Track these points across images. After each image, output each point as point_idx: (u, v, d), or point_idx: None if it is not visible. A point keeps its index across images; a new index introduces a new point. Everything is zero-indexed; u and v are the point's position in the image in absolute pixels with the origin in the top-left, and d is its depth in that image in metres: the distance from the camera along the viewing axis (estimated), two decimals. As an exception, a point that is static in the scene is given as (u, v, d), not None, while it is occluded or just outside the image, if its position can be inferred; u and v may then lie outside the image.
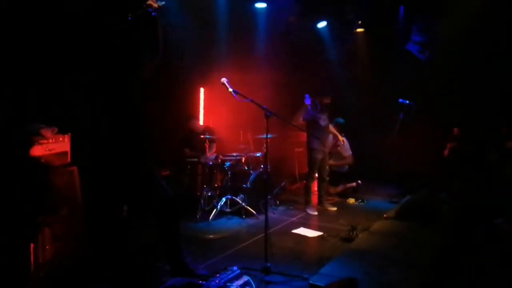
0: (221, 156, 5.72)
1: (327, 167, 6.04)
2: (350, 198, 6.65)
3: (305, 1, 6.96)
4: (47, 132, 3.36)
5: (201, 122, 6.75)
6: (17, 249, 2.86)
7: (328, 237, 4.52)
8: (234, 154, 5.81)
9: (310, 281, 3.03)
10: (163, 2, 2.92)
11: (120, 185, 3.11)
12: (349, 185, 7.10)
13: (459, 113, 6.70)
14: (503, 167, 5.50)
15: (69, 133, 3.60)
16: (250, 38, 7.09)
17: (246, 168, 5.83)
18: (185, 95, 6.51)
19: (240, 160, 5.86)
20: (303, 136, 8.13)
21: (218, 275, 3.17)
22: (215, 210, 5.19)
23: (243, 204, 5.29)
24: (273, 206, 5.85)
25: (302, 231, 4.78)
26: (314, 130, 5.72)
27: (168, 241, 3.16)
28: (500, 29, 6.33)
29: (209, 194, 5.43)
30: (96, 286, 3.17)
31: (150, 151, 3.08)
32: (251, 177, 5.50)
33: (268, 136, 3.67)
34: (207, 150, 5.69)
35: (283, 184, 6.50)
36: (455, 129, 6.79)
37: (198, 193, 5.48)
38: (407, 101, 6.46)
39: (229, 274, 3.15)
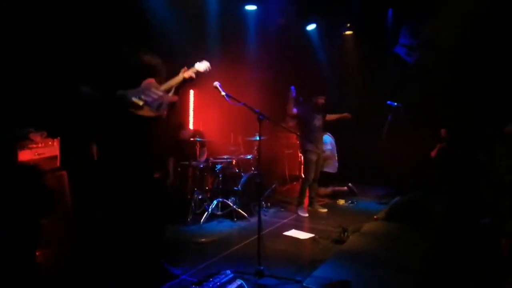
0: (211, 159, 5.70)
1: (319, 169, 6.04)
2: (340, 200, 6.71)
3: (294, 3, 7.00)
4: (36, 136, 3.32)
5: (191, 125, 6.72)
6: (18, 249, 2.85)
7: (320, 239, 4.54)
8: (225, 157, 5.81)
9: (304, 284, 3.05)
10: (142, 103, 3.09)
11: (121, 185, 3.13)
12: (339, 188, 7.17)
13: (447, 114, 6.80)
14: (490, 167, 5.60)
15: (59, 137, 3.56)
16: (241, 40, 7.10)
17: (237, 170, 5.83)
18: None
19: (231, 162, 5.85)
20: (293, 137, 8.19)
21: (211, 279, 3.16)
22: (206, 213, 5.17)
23: (234, 206, 5.29)
24: (264, 208, 5.85)
25: (293, 233, 4.79)
26: (307, 130, 5.73)
27: (154, 243, 3.19)
28: (488, 31, 6.44)
29: (200, 197, 5.40)
30: (96, 286, 3.16)
31: (149, 153, 3.11)
32: (242, 179, 5.50)
33: (260, 138, 3.67)
34: (197, 153, 5.67)
35: (273, 186, 6.51)
36: (443, 130, 6.89)
37: (189, 196, 5.45)
38: (395, 103, 6.53)
39: (222, 278, 3.14)
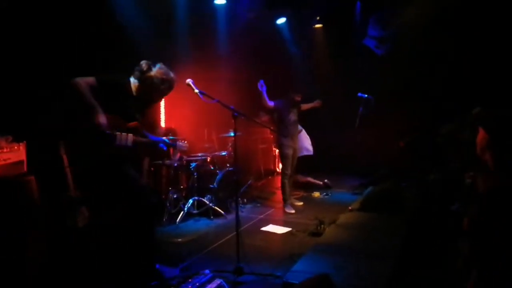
0: (185, 157, 5.62)
1: (295, 164, 6.06)
2: (315, 192, 6.79)
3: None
4: (0, 141, 3.15)
5: (162, 123, 6.58)
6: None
7: (297, 232, 4.58)
8: (200, 154, 5.74)
9: (284, 279, 3.05)
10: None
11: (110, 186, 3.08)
12: (315, 181, 7.25)
13: (416, 105, 6.98)
14: (453, 154, 5.79)
15: (25, 142, 3.40)
16: (210, 35, 6.98)
17: (212, 168, 5.78)
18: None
19: (206, 160, 5.79)
20: (267, 132, 8.20)
21: (190, 280, 3.13)
22: (182, 212, 5.10)
23: (211, 204, 5.25)
24: (240, 205, 5.84)
25: (271, 228, 4.81)
26: (283, 125, 5.73)
27: (144, 245, 3.13)
28: (455, 23, 6.63)
29: (175, 196, 5.32)
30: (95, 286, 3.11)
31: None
32: (218, 177, 5.46)
33: (233, 134, 3.63)
34: (171, 152, 5.56)
35: (249, 182, 6.50)
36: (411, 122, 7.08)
37: (164, 196, 5.35)
38: (366, 95, 6.64)
39: (202, 278, 3.12)
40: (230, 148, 6.10)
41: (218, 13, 6.93)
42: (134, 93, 3.17)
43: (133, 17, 5.20)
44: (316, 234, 4.41)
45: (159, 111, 6.68)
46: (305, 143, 6.93)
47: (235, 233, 3.45)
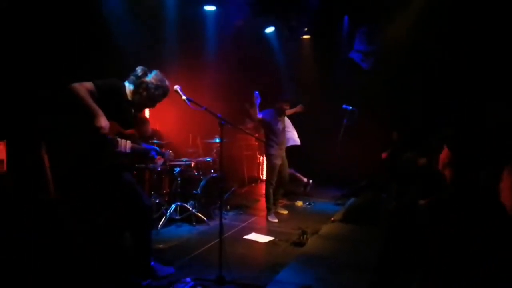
0: (169, 162, 5.55)
1: (287, 172, 6.04)
2: (298, 201, 6.81)
3: (253, 6, 6.99)
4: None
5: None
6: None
7: (280, 242, 4.57)
8: (184, 159, 5.68)
9: (266, 290, 3.05)
10: None
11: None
12: (299, 176, 7.25)
13: (398, 118, 7.13)
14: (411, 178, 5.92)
15: (5, 140, 3.32)
16: (199, 41, 6.98)
17: (196, 173, 5.73)
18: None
19: (190, 165, 5.74)
20: (252, 139, 8.21)
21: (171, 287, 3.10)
22: (164, 217, 5.03)
23: (194, 210, 5.20)
24: (223, 212, 5.79)
25: (253, 236, 4.79)
26: (272, 134, 5.72)
27: (141, 245, 3.20)
28: (438, 38, 6.82)
29: (157, 201, 5.25)
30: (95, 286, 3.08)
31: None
32: (202, 182, 5.41)
33: (219, 140, 3.63)
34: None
35: (233, 189, 6.48)
36: (394, 133, 7.20)
37: (146, 200, 5.28)
38: (350, 107, 6.74)
39: (183, 287, 3.09)
40: (215, 154, 6.07)
41: (208, 20, 6.94)
42: (129, 98, 3.16)
43: (121, 22, 5.16)
44: (299, 244, 4.42)
45: (144, 112, 6.63)
46: (292, 134, 6.96)
47: (217, 240, 3.42)
